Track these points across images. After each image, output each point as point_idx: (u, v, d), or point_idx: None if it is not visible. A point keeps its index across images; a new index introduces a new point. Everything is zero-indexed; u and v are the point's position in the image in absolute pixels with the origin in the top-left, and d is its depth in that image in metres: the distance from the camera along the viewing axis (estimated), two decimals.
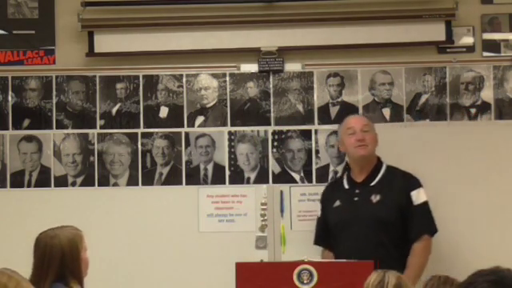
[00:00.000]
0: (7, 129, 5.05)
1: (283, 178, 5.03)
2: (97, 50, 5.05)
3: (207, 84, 5.09)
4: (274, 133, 5.05)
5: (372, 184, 4.60)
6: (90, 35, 5.05)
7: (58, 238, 3.49)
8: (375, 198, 4.55)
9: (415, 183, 4.62)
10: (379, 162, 4.68)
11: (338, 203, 4.64)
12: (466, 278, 1.97)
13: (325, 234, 4.70)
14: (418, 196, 4.57)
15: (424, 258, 4.49)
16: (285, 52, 5.06)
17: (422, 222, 4.54)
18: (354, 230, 4.51)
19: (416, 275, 4.33)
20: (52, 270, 3.44)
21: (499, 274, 1.88)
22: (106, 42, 5.05)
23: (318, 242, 4.77)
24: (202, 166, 5.06)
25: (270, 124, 5.06)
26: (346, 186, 4.68)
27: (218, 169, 5.06)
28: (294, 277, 4.04)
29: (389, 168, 4.68)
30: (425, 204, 4.58)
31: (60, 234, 3.51)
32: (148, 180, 5.05)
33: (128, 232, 4.99)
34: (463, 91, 5.03)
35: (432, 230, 4.58)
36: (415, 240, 4.50)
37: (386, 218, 4.49)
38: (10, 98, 5.07)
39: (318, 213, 4.77)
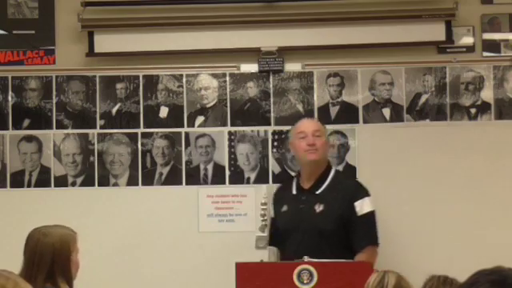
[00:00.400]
0: (7, 129, 5.05)
1: (283, 178, 5.02)
2: (97, 50, 5.05)
3: (207, 84, 5.09)
4: (274, 133, 5.05)
5: (317, 192, 4.54)
6: (90, 35, 5.05)
7: (51, 236, 3.47)
8: (318, 208, 4.49)
9: (361, 193, 4.54)
10: (328, 169, 4.63)
11: (285, 208, 4.62)
12: (466, 278, 1.96)
13: (277, 236, 4.65)
14: (362, 206, 4.48)
15: None
16: (285, 52, 5.06)
17: (365, 233, 4.46)
18: (297, 238, 4.48)
19: None
20: (42, 268, 3.42)
21: (501, 274, 1.87)
22: (106, 42, 5.05)
23: (272, 243, 4.71)
24: (202, 166, 5.06)
25: (270, 124, 5.06)
26: (294, 192, 4.64)
27: (218, 169, 5.06)
28: (294, 277, 4.04)
29: (337, 175, 4.64)
30: (369, 214, 4.49)
31: (53, 232, 3.49)
32: (148, 180, 5.05)
33: (128, 232, 4.99)
34: (463, 91, 5.03)
35: (374, 241, 4.49)
36: (359, 251, 4.43)
37: (327, 229, 4.44)
38: (10, 98, 5.07)
39: (272, 214, 4.74)
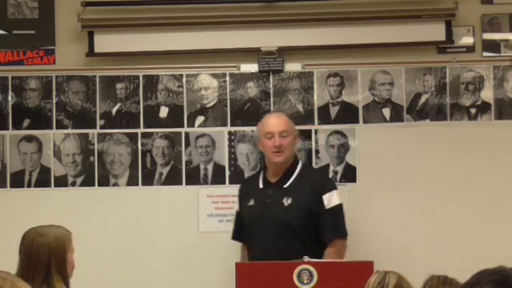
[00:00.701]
0: (7, 129, 5.05)
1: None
2: (97, 50, 5.04)
3: (207, 84, 5.09)
4: None
5: (285, 186, 4.58)
6: (90, 35, 5.04)
7: (46, 236, 3.46)
8: (287, 202, 4.53)
9: (328, 186, 4.60)
10: (295, 162, 4.66)
11: (252, 202, 4.64)
12: (467, 277, 1.96)
13: (242, 230, 4.69)
14: (330, 199, 4.53)
15: (338, 255, 4.47)
16: (285, 52, 5.06)
17: (333, 226, 4.51)
18: (266, 231, 4.50)
19: None
20: (39, 268, 3.41)
21: (503, 274, 1.87)
22: (106, 42, 5.05)
23: (235, 237, 4.76)
24: (202, 166, 5.05)
25: None
26: (261, 186, 4.66)
27: (218, 169, 5.06)
28: (294, 277, 4.04)
29: (304, 169, 4.68)
30: (337, 207, 4.54)
31: (48, 232, 3.48)
32: (148, 180, 5.05)
33: (128, 232, 4.99)
34: (463, 91, 5.04)
35: (342, 234, 4.54)
36: (328, 244, 4.48)
37: (295, 223, 4.48)
38: (9, 98, 5.06)
39: (237, 207, 4.75)
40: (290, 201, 4.52)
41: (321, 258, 4.40)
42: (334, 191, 4.57)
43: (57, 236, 3.49)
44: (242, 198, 4.74)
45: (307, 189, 4.55)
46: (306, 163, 4.85)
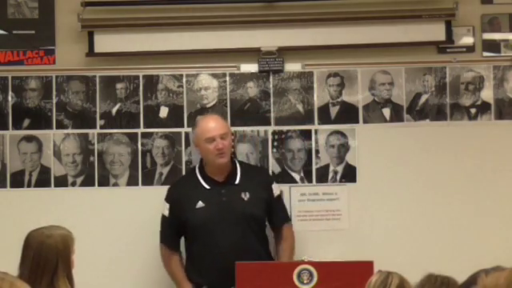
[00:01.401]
0: (7, 129, 5.05)
1: (283, 178, 5.02)
2: (97, 50, 5.04)
3: (207, 84, 5.09)
4: (274, 133, 5.05)
5: (236, 183, 4.68)
6: (90, 35, 5.04)
7: (53, 238, 3.46)
8: (245, 196, 4.65)
9: (271, 176, 4.92)
10: (232, 160, 4.76)
11: (201, 204, 4.64)
12: (466, 277, 1.97)
13: (174, 234, 4.72)
14: (276, 188, 4.79)
15: (293, 239, 4.78)
16: (285, 52, 5.06)
17: (283, 212, 4.81)
18: (229, 228, 4.56)
19: (291, 257, 4.69)
20: (47, 270, 3.41)
21: None
22: (106, 42, 5.04)
23: (164, 241, 4.76)
24: None
25: (270, 124, 5.06)
26: (207, 187, 4.68)
27: None
28: (294, 277, 4.05)
29: (242, 165, 4.80)
30: (281, 195, 4.82)
31: (54, 234, 3.48)
32: (148, 180, 5.05)
33: (128, 232, 4.99)
34: (463, 91, 5.04)
35: (289, 218, 4.84)
36: (280, 230, 4.77)
37: (259, 214, 4.67)
38: (9, 98, 5.06)
39: (165, 212, 4.71)
40: (248, 195, 4.65)
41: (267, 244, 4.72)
42: (274, 180, 4.85)
43: (62, 237, 3.49)
44: (181, 202, 4.69)
45: (256, 181, 4.71)
46: (239, 160, 4.89)
